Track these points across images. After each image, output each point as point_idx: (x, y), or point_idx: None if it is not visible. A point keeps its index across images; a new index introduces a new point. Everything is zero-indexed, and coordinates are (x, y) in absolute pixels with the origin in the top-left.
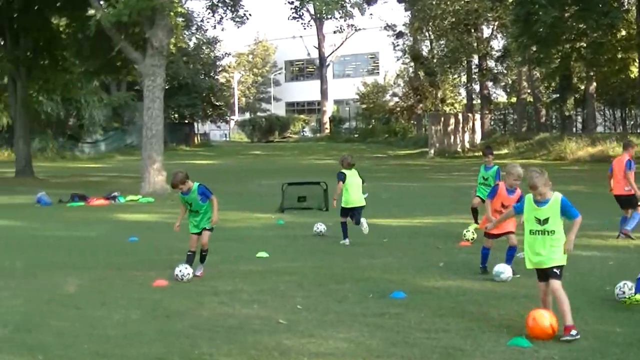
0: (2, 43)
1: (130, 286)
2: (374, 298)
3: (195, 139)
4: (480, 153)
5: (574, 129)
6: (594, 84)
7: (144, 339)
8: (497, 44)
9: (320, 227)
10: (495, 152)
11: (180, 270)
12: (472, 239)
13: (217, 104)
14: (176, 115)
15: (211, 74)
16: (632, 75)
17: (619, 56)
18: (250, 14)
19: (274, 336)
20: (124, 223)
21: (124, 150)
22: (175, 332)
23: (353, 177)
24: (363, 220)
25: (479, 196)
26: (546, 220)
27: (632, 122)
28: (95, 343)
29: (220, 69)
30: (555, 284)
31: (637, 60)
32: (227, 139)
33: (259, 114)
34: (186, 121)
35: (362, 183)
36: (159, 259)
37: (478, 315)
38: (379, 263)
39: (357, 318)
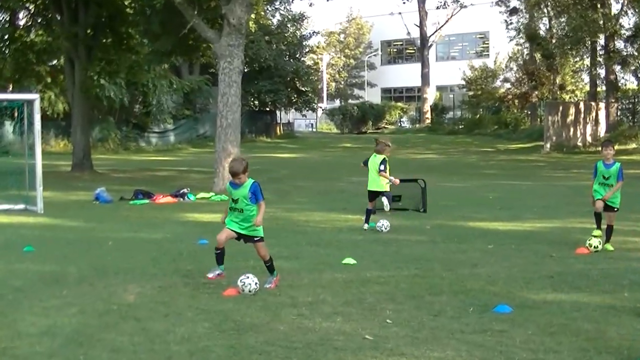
0: (59, 19)
1: (198, 296)
2: (474, 312)
3: (278, 129)
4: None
5: None
6: None
7: (211, 356)
8: (628, 21)
9: (384, 223)
10: (623, 147)
11: (242, 282)
12: (595, 248)
13: (303, 89)
14: (256, 103)
15: (297, 56)
16: None
17: None
18: None
19: (359, 354)
20: (194, 224)
21: (196, 141)
22: (247, 349)
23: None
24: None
25: (600, 199)
26: None
27: None
28: None
29: (307, 50)
30: None
31: None
32: (314, 130)
33: (350, 101)
34: (267, 109)
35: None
36: (232, 266)
37: (594, 334)
38: (483, 273)
39: (455, 335)
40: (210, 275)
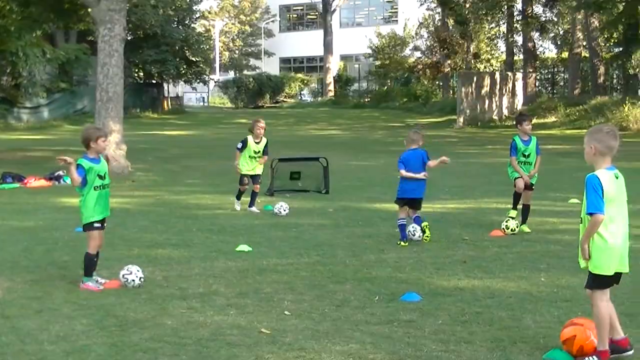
0: None
1: (76, 290)
2: (380, 302)
3: (165, 103)
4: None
5: None
6: None
7: (90, 356)
8: None
9: (283, 206)
10: (541, 120)
11: (125, 278)
12: (512, 230)
13: (194, 59)
14: (141, 74)
15: (186, 22)
16: None
17: None
18: None
19: (254, 350)
20: (71, 210)
21: (74, 117)
22: (130, 346)
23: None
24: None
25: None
26: None
27: None
28: None
29: (197, 15)
30: None
31: None
32: (206, 104)
33: (245, 72)
34: (154, 81)
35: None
36: (115, 255)
37: (509, 323)
38: (390, 259)
39: (359, 326)
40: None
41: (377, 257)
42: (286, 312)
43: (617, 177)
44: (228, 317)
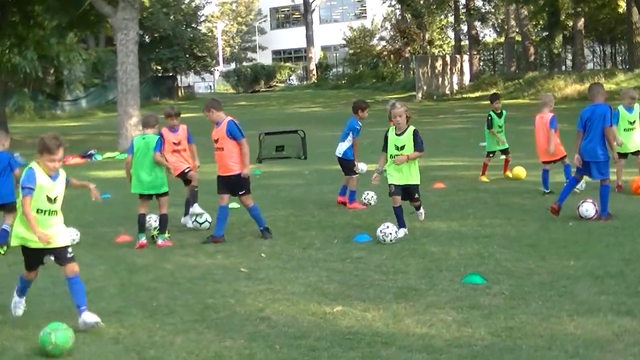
0: None
1: (98, 243)
2: (338, 243)
3: (179, 92)
4: (470, 95)
5: (564, 67)
6: (582, 20)
7: (104, 294)
8: None
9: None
10: (484, 93)
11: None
12: None
13: (201, 55)
14: (159, 68)
15: (193, 25)
16: (619, 10)
17: None
18: None
19: (234, 284)
20: (99, 181)
21: (106, 106)
22: (136, 286)
23: None
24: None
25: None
26: None
27: (621, 58)
28: (56, 301)
29: (202, 18)
30: None
31: None
32: (212, 91)
33: (244, 63)
34: (169, 74)
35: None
36: (129, 215)
37: (439, 256)
38: (350, 210)
39: (319, 263)
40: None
41: (339, 209)
42: (262, 255)
43: None
44: (216, 261)
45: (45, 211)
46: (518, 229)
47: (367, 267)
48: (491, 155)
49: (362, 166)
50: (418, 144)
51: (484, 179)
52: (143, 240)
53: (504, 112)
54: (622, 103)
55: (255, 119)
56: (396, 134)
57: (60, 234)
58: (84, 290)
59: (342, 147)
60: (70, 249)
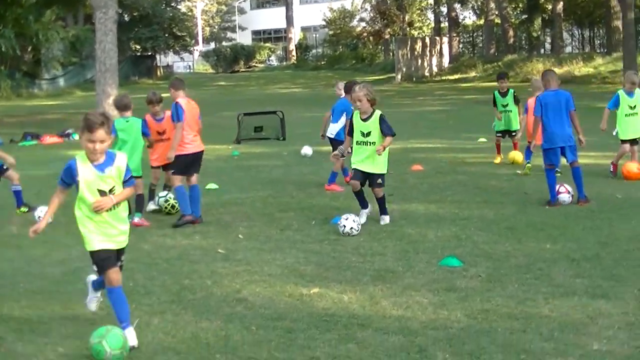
0: None
1: (75, 224)
2: (316, 225)
3: (158, 71)
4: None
5: (543, 50)
6: (561, 3)
7: (81, 274)
8: None
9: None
10: (464, 75)
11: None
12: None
13: (180, 34)
14: (138, 47)
15: (172, 4)
16: None
17: None
18: None
19: (211, 265)
20: None
21: (84, 85)
22: None
23: None
24: None
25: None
26: None
27: (599, 42)
28: (32, 281)
29: None
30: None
31: None
32: (191, 71)
33: (224, 43)
34: (148, 54)
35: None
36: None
37: (416, 238)
38: (328, 191)
39: (296, 245)
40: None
41: (318, 190)
42: (240, 236)
43: None
44: (193, 241)
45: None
46: (496, 212)
47: (344, 249)
48: (499, 135)
49: (306, 150)
50: (385, 129)
51: (497, 160)
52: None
53: (510, 90)
54: (623, 88)
55: (234, 99)
56: (361, 119)
57: (127, 233)
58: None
59: (335, 128)
60: (124, 256)
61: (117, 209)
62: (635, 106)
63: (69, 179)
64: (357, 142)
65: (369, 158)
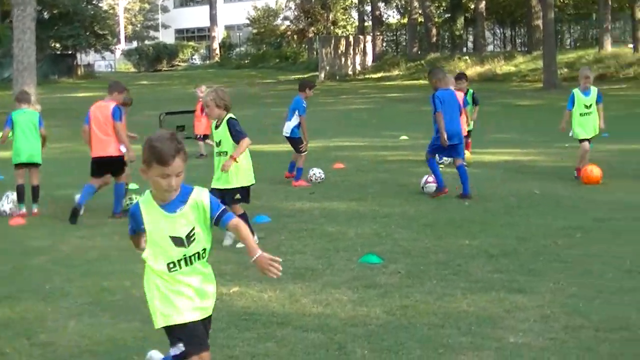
0: None
1: None
2: None
3: (79, 70)
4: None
5: (465, 49)
6: (484, 2)
7: None
8: None
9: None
10: (387, 74)
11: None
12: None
13: (102, 33)
14: (58, 46)
15: (94, 2)
16: None
17: None
18: None
19: (130, 266)
20: None
21: (1, 84)
22: (30, 269)
23: None
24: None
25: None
26: None
27: (520, 41)
28: None
29: None
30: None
31: None
32: (113, 70)
33: (146, 42)
34: (69, 52)
35: None
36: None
37: (337, 236)
38: (296, 187)
39: (216, 245)
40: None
41: None
42: None
43: None
44: (112, 242)
45: (175, 263)
46: (416, 209)
47: (265, 248)
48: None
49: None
50: (234, 135)
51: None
52: (23, 210)
53: (470, 91)
54: (578, 86)
55: (156, 98)
56: (215, 127)
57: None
58: None
59: (288, 126)
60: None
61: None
62: (590, 105)
63: (138, 226)
64: (215, 154)
65: (222, 173)
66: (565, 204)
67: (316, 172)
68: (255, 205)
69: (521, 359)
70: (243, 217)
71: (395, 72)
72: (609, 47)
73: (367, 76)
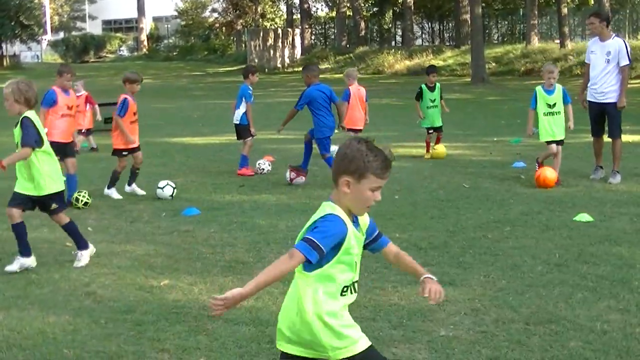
0: None
1: None
2: (167, 216)
3: (4, 61)
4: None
5: (394, 42)
6: None
7: None
8: None
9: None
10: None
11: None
12: None
13: (27, 23)
14: None
15: None
16: None
17: None
18: None
19: (58, 258)
20: None
21: None
22: None
23: None
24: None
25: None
26: None
27: (448, 35)
28: None
29: None
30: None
31: None
32: (39, 61)
33: (73, 33)
34: None
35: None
36: None
37: (267, 228)
38: (178, 183)
39: (147, 237)
40: None
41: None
42: (89, 228)
43: None
44: (41, 234)
45: (349, 288)
46: None
47: (195, 241)
48: (430, 132)
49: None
50: (22, 137)
51: (427, 156)
52: None
53: (437, 85)
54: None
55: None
56: (15, 125)
57: None
58: None
59: (238, 114)
60: None
61: None
62: (555, 104)
63: (330, 249)
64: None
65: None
66: (494, 197)
67: (262, 164)
68: (184, 197)
69: (452, 352)
70: (70, 228)
71: (324, 65)
72: (536, 43)
73: (295, 69)
